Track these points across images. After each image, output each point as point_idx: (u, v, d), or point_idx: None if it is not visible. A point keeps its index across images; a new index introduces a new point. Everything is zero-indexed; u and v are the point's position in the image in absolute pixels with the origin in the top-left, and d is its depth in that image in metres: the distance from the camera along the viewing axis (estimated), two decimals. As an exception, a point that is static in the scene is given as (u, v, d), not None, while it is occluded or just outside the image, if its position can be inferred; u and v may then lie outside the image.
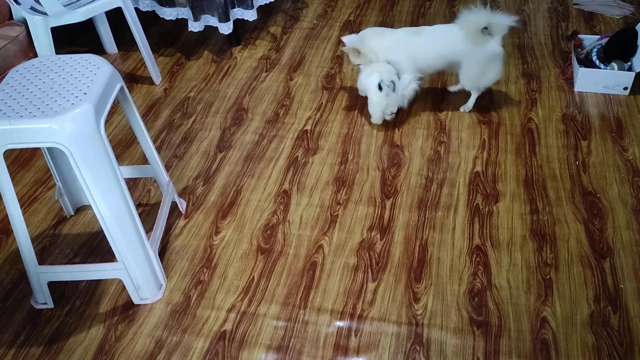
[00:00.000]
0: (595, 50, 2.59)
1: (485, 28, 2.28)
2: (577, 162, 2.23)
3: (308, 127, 2.52)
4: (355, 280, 1.85)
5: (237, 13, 2.92)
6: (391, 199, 2.15)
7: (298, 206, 2.14)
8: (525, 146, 2.33)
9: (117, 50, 3.10)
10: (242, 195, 2.21)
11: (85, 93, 1.51)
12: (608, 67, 2.53)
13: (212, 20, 2.88)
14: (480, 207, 2.08)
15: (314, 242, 2.00)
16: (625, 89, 2.51)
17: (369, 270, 1.88)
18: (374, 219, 2.07)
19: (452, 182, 2.20)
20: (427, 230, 2.01)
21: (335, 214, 2.10)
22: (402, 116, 2.53)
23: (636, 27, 2.60)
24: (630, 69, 2.52)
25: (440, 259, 1.91)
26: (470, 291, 1.79)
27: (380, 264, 1.90)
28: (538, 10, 3.19)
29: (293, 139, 2.46)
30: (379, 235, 2.01)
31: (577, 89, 2.58)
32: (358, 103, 2.63)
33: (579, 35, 2.75)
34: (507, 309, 1.74)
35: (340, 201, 2.15)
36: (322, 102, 2.66)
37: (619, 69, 2.51)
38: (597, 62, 2.55)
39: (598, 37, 2.71)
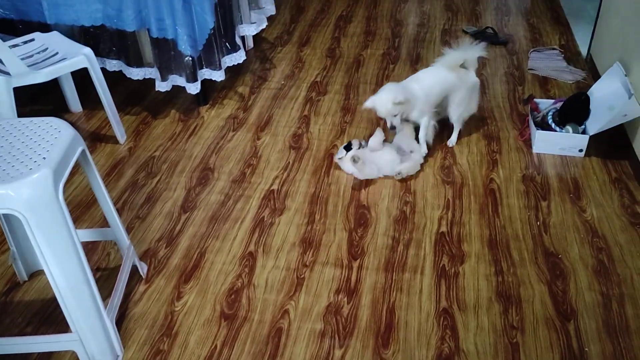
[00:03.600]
0: (550, 113, 2.69)
1: (463, 64, 2.61)
2: (538, 223, 2.27)
3: (275, 187, 2.51)
4: (322, 347, 1.81)
5: (205, 73, 2.95)
6: (358, 260, 2.14)
7: (263, 269, 2.11)
8: (488, 206, 2.37)
9: (81, 109, 3.07)
10: (206, 258, 2.16)
11: (44, 158, 1.48)
12: (563, 130, 2.63)
13: (179, 80, 2.90)
14: (447, 269, 2.08)
15: (280, 306, 1.95)
16: (581, 150, 2.60)
17: (336, 336, 1.84)
18: (341, 282, 2.05)
19: (418, 242, 2.20)
20: (395, 292, 2.00)
21: (302, 276, 2.07)
22: (367, 176, 2.56)
23: (587, 93, 2.72)
24: (584, 132, 2.63)
25: (408, 322, 1.88)
26: (439, 356, 1.77)
27: (347, 329, 1.86)
28: (495, 75, 3.32)
29: (259, 198, 2.45)
30: (346, 299, 1.98)
31: (535, 150, 2.67)
32: (325, 162, 2.65)
33: (535, 99, 2.86)
34: (475, 375, 1.71)
35: (307, 263, 2.13)
36: (289, 162, 2.67)
37: (573, 132, 2.61)
38: (553, 125, 2.65)
39: (553, 101, 2.83)
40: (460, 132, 2.75)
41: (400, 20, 4.07)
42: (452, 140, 2.75)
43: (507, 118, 2.93)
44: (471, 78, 2.64)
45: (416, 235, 2.23)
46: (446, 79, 2.59)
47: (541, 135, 2.63)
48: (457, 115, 2.68)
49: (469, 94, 2.65)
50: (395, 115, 2.46)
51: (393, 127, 2.49)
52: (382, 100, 2.45)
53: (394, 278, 2.05)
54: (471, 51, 2.60)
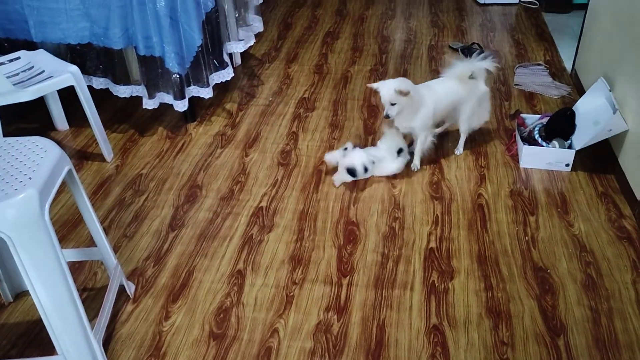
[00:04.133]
0: (537, 128, 2.72)
1: (472, 75, 2.64)
2: (526, 238, 2.28)
3: (263, 204, 2.50)
4: (312, 365, 1.79)
5: (193, 91, 2.94)
6: (348, 277, 2.13)
7: (252, 287, 2.09)
8: (477, 222, 2.37)
9: (68, 127, 3.05)
10: (194, 277, 2.14)
11: (30, 178, 1.46)
12: (550, 145, 2.66)
13: (167, 98, 2.90)
14: (436, 285, 2.08)
15: (269, 325, 1.93)
16: (567, 165, 2.63)
17: (326, 354, 1.83)
18: (330, 299, 2.03)
19: (407, 258, 2.20)
20: (384, 309, 1.99)
21: (291, 294, 2.06)
22: (356, 192, 2.56)
23: (573, 108, 2.76)
24: (570, 147, 2.65)
25: (398, 340, 1.87)
26: (429, 374, 1.76)
27: (337, 348, 1.85)
28: (483, 90, 3.35)
29: (248, 216, 2.43)
30: (336, 317, 1.96)
31: (522, 165, 2.69)
32: (313, 179, 2.65)
33: (522, 115, 2.89)
34: (466, 392, 1.70)
35: (296, 281, 2.11)
36: (277, 178, 2.66)
37: (560, 147, 2.64)
38: (540, 140, 2.68)
39: (539, 116, 2.86)
40: (466, 141, 2.82)
41: (387, 36, 4.10)
42: (459, 148, 2.81)
43: (494, 133, 2.95)
44: (480, 88, 2.67)
45: (405, 252, 2.23)
46: (456, 91, 2.63)
47: (528, 150, 2.65)
48: (466, 126, 2.75)
49: (478, 104, 2.69)
50: (393, 105, 2.45)
51: (387, 116, 2.49)
52: (388, 84, 2.48)
53: (383, 295, 2.05)
54: (480, 63, 2.63)
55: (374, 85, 2.52)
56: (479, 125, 2.80)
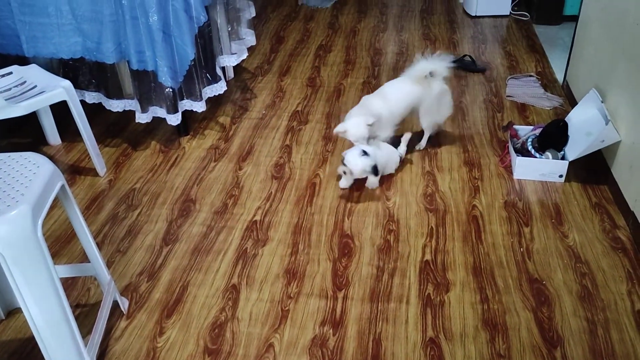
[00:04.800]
0: (530, 140, 2.73)
1: (430, 74, 2.71)
2: (521, 249, 2.28)
3: (257, 218, 2.49)
4: (308, 381, 1.78)
5: (186, 104, 2.94)
6: (343, 290, 2.12)
7: (247, 301, 2.07)
8: (471, 233, 2.37)
9: (60, 142, 3.03)
10: (188, 291, 2.12)
11: (22, 194, 1.45)
12: (543, 156, 2.67)
13: (160, 112, 2.89)
14: (432, 297, 2.07)
15: (264, 340, 1.92)
16: (561, 176, 2.64)
17: (322, 369, 1.81)
18: (326, 313, 2.02)
19: (402, 271, 2.19)
20: (380, 323, 1.98)
21: (286, 308, 2.04)
22: (351, 205, 2.55)
23: (565, 119, 2.77)
24: (563, 158, 2.66)
25: (395, 354, 1.86)
26: (426, 388, 1.75)
27: (333, 362, 1.83)
28: (475, 102, 3.37)
29: (242, 230, 2.42)
30: (331, 331, 1.95)
31: (516, 176, 2.70)
32: (307, 192, 2.64)
33: (514, 126, 2.91)
34: (464, 406, 1.69)
35: (291, 295, 2.10)
36: (271, 192, 2.66)
37: (553, 158, 2.65)
38: (533, 151, 2.69)
39: (532, 127, 2.87)
40: (430, 137, 2.92)
41: (379, 49, 4.13)
42: (422, 143, 2.92)
43: (487, 145, 2.96)
44: (436, 87, 2.73)
45: (401, 264, 2.23)
46: (411, 92, 2.73)
47: (521, 162, 2.66)
48: (426, 123, 2.85)
49: (437, 102, 2.77)
50: (366, 138, 2.58)
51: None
52: (355, 124, 2.57)
53: (379, 308, 2.03)
54: (437, 63, 2.71)
55: (340, 130, 2.61)
56: (442, 121, 2.90)
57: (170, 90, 2.78)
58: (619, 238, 2.32)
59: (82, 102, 2.74)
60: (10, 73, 2.61)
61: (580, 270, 2.18)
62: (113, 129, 3.17)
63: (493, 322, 1.97)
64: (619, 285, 2.10)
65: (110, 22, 2.60)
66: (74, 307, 2.05)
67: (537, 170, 2.65)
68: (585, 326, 1.95)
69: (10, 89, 2.52)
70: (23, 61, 2.76)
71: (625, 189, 2.45)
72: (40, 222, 1.46)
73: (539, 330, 1.94)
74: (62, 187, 1.66)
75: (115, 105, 2.92)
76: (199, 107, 2.94)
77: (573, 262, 2.21)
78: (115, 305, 2.02)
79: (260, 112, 3.33)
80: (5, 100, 2.36)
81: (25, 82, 2.58)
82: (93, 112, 2.97)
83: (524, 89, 3.49)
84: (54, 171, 1.59)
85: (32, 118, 2.90)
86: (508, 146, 2.81)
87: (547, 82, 3.59)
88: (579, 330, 1.93)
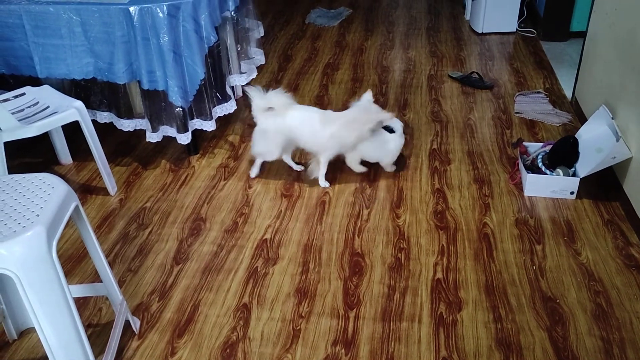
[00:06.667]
0: (540, 156, 2.73)
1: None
2: (534, 267, 2.27)
3: (268, 236, 2.49)
4: (321, 402, 1.76)
5: (196, 124, 2.96)
6: (354, 310, 2.10)
7: (259, 321, 2.06)
8: (483, 251, 2.36)
9: (71, 161, 3.06)
10: (199, 311, 2.12)
11: (37, 215, 1.46)
12: (554, 173, 2.66)
13: (170, 131, 2.91)
14: (444, 317, 2.06)
15: (277, 360, 1.91)
16: (572, 193, 2.63)
17: (335, 390, 1.80)
18: (338, 333, 2.01)
19: (414, 290, 2.18)
20: (393, 343, 1.96)
21: (298, 328, 2.03)
22: (361, 223, 2.55)
23: (575, 135, 2.77)
24: (574, 174, 2.66)
25: (408, 374, 1.84)
26: (441, 409, 1.73)
27: (346, 383, 1.82)
28: (483, 119, 3.38)
29: (252, 248, 2.42)
30: (343, 350, 1.94)
31: (526, 193, 2.69)
32: (317, 210, 2.64)
33: (524, 143, 2.90)
34: None
35: (303, 314, 2.09)
36: (281, 210, 2.66)
37: (564, 175, 2.64)
38: (543, 168, 2.68)
39: (542, 144, 2.87)
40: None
41: (386, 66, 4.15)
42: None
43: (497, 162, 2.96)
44: (261, 123, 2.72)
45: (412, 283, 2.21)
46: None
47: (532, 179, 2.65)
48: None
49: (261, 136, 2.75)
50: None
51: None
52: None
53: (391, 327, 2.02)
54: (274, 98, 2.66)
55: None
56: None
57: (181, 109, 2.80)
58: (632, 255, 2.31)
59: (93, 121, 2.77)
60: (24, 94, 2.65)
61: (594, 288, 2.16)
62: (123, 148, 3.19)
63: (507, 341, 1.95)
64: (634, 304, 2.08)
65: (122, 43, 2.64)
66: (86, 326, 2.05)
67: (548, 187, 2.64)
68: (601, 345, 1.92)
69: (23, 110, 2.55)
70: (35, 81, 2.79)
71: (637, 205, 2.44)
72: (55, 243, 1.46)
73: (554, 350, 1.91)
74: (76, 207, 1.67)
75: (127, 125, 2.94)
76: (209, 126, 2.96)
77: (587, 280, 2.19)
78: (127, 325, 2.02)
79: (269, 130, 3.34)
80: (19, 121, 2.39)
81: (38, 102, 2.61)
82: (104, 131, 2.99)
83: (533, 106, 3.49)
84: (68, 192, 1.60)
85: (43, 137, 2.91)
86: (518, 163, 2.81)
87: (556, 98, 3.59)
88: (595, 350, 1.91)
